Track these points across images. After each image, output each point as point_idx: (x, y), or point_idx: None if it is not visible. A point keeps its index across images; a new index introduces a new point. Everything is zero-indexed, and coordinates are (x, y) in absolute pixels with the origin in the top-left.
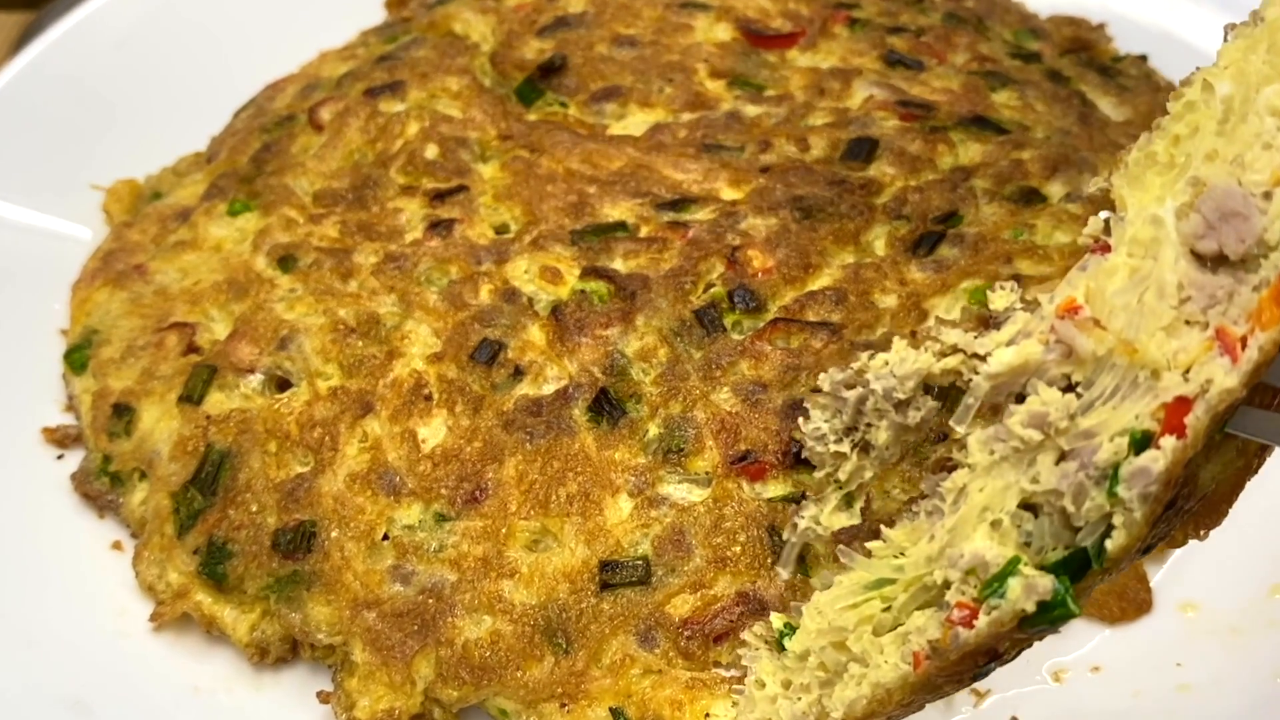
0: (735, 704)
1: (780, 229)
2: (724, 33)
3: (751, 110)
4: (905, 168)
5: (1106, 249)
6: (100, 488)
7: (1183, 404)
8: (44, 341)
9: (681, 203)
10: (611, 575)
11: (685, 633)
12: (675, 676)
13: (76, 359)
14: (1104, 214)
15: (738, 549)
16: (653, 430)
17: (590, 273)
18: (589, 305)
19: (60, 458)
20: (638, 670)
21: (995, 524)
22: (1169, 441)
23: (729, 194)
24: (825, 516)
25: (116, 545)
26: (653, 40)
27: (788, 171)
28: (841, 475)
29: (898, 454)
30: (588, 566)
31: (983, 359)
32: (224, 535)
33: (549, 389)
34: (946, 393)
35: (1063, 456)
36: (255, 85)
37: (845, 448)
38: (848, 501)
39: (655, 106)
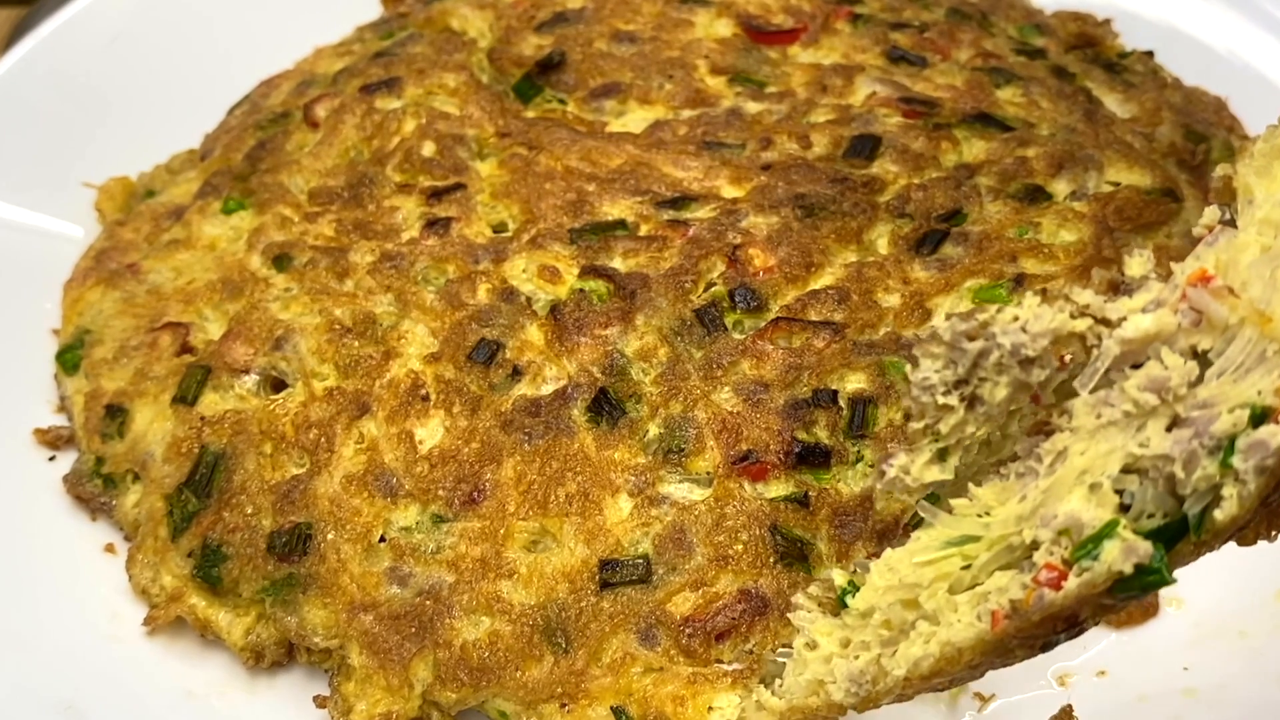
0: (745, 693)
1: (782, 227)
2: (725, 28)
3: (753, 107)
4: (908, 165)
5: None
6: (93, 490)
7: None
8: (36, 341)
9: (682, 201)
10: (611, 574)
11: (687, 630)
12: (677, 673)
13: (69, 359)
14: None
15: (740, 547)
16: (653, 430)
17: (589, 272)
18: (588, 305)
19: (52, 459)
20: (638, 668)
21: (1094, 487)
22: None
23: (730, 192)
24: (917, 468)
25: (109, 548)
26: (653, 36)
27: (789, 169)
28: (943, 428)
29: (1006, 414)
30: (587, 566)
31: (1114, 325)
32: (219, 538)
33: (548, 389)
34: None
35: (1174, 424)
36: (250, 82)
37: (954, 400)
38: (942, 456)
39: (655, 103)
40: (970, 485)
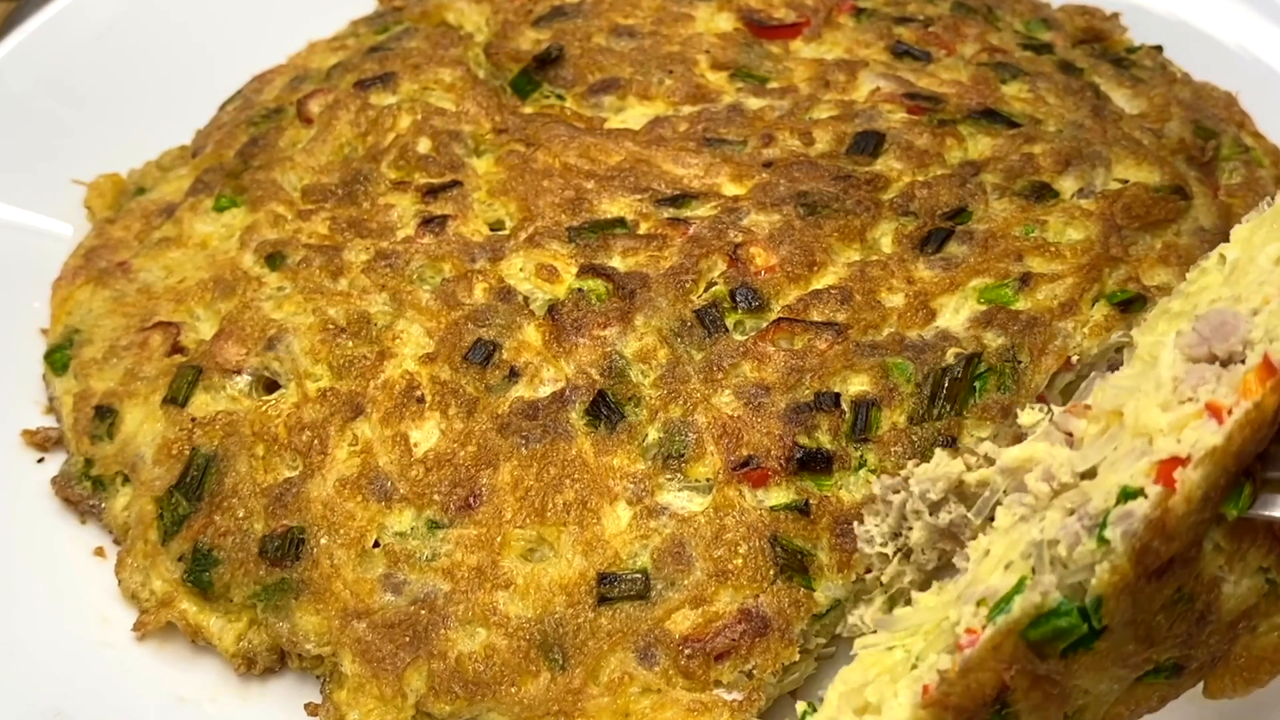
0: None
1: (784, 226)
2: (726, 23)
3: (754, 103)
4: (913, 162)
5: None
6: (82, 492)
7: (1174, 461)
8: (24, 341)
9: (682, 198)
10: (609, 588)
11: (686, 650)
12: (676, 698)
13: (57, 359)
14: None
15: (739, 561)
16: (652, 434)
17: (588, 271)
18: (586, 304)
19: (41, 461)
20: (637, 689)
21: (1009, 565)
22: (1154, 489)
23: (731, 189)
24: (870, 615)
25: (99, 552)
26: (652, 31)
27: (791, 166)
28: (884, 577)
29: (934, 560)
30: (585, 578)
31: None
32: (210, 542)
33: (545, 391)
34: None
35: (1069, 515)
36: (242, 77)
37: (889, 550)
38: (891, 604)
39: (655, 99)
40: (913, 593)
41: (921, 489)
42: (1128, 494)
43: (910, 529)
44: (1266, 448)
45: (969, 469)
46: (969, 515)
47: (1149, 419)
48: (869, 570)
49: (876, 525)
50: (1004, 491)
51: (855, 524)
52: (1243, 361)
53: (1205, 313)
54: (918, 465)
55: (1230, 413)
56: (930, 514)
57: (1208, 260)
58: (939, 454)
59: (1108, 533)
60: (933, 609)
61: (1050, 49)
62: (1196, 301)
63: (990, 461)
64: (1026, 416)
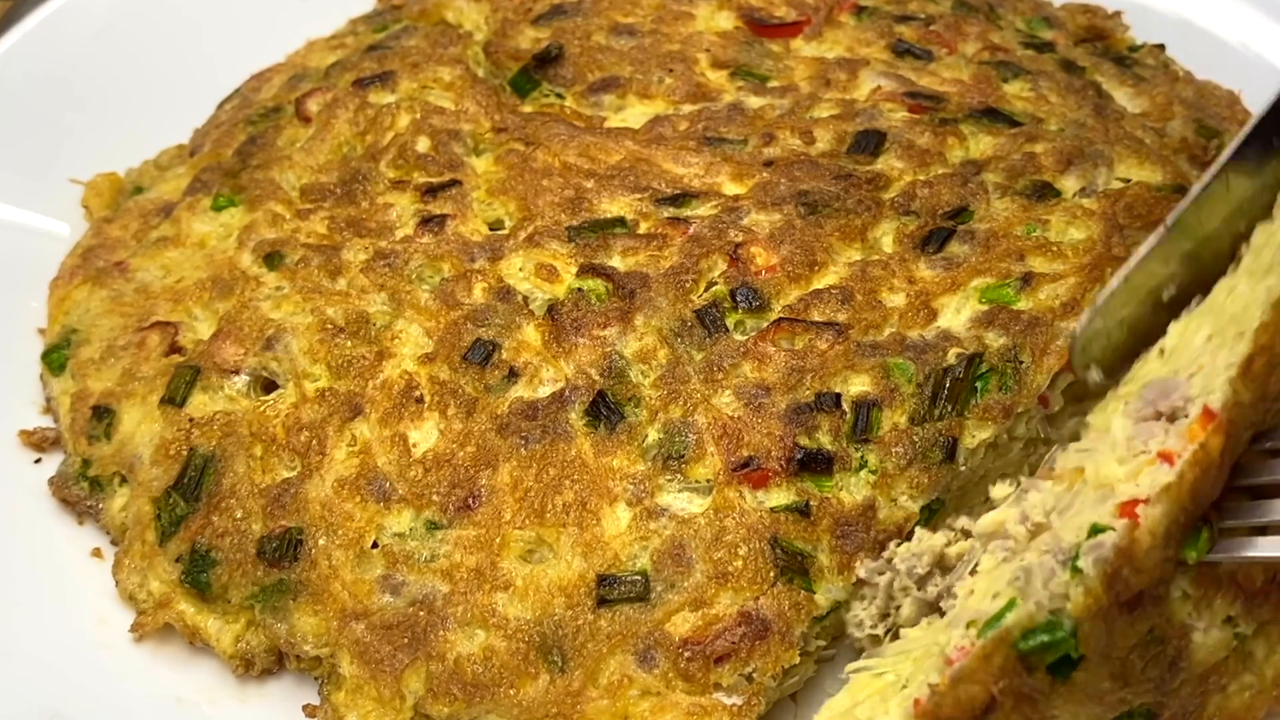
0: None
1: (784, 225)
2: (726, 21)
3: (755, 102)
4: (914, 161)
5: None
6: (79, 493)
7: (1134, 502)
8: (21, 341)
9: (682, 198)
10: (609, 590)
11: (685, 653)
12: (675, 701)
13: (55, 359)
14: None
15: (739, 563)
16: (652, 435)
17: (587, 270)
18: (586, 304)
19: (38, 461)
20: (636, 691)
21: (996, 595)
22: (1120, 523)
23: (731, 189)
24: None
25: (96, 553)
26: (652, 29)
27: (792, 165)
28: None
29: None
30: (584, 580)
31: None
32: (207, 542)
33: (545, 391)
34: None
35: (1045, 554)
36: (240, 75)
37: (880, 630)
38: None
39: (655, 98)
40: (902, 629)
41: (908, 565)
42: (1096, 530)
43: (899, 606)
44: (1222, 498)
45: (950, 543)
46: (954, 579)
47: (1108, 472)
48: (861, 651)
49: (865, 609)
50: (983, 549)
51: (843, 611)
52: (1186, 415)
53: (1149, 382)
54: (899, 545)
55: (1180, 455)
56: (918, 588)
57: (1149, 353)
58: (919, 531)
59: (1080, 563)
60: (922, 638)
61: (1052, 48)
62: (1142, 382)
63: (968, 535)
64: (997, 491)
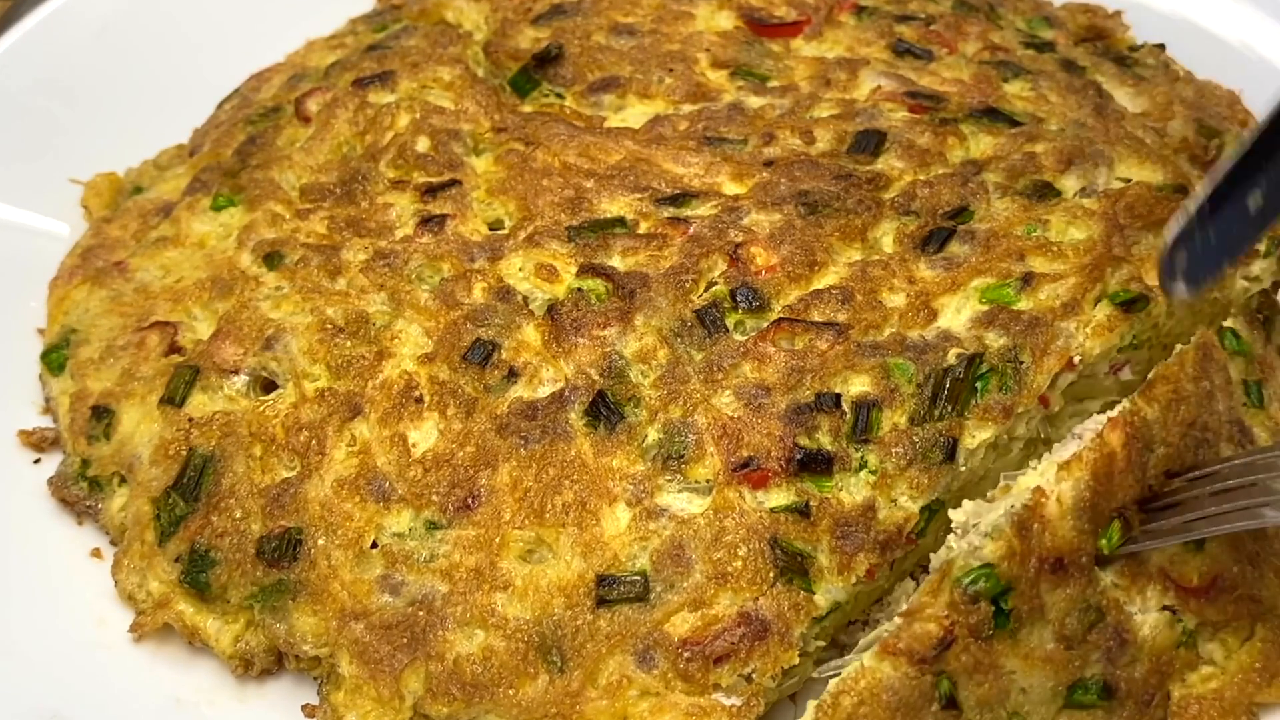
0: None
1: (784, 225)
2: (726, 21)
3: (755, 101)
4: (914, 161)
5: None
6: (78, 493)
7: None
8: (20, 341)
9: (682, 198)
10: (608, 590)
11: (685, 653)
12: (674, 701)
13: (54, 359)
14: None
15: (739, 564)
16: (652, 435)
17: (587, 270)
18: (586, 304)
19: (38, 462)
20: (635, 692)
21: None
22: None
23: (731, 188)
24: None
25: (96, 553)
26: (652, 29)
27: (792, 165)
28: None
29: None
30: (584, 580)
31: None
32: (207, 542)
33: (544, 392)
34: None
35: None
36: (240, 75)
37: None
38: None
39: (655, 98)
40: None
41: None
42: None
43: None
44: (1145, 502)
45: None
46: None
47: (1028, 480)
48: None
49: None
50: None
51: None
52: (1098, 434)
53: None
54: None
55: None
56: None
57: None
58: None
59: (997, 530)
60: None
61: (1052, 47)
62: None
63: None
64: (958, 514)
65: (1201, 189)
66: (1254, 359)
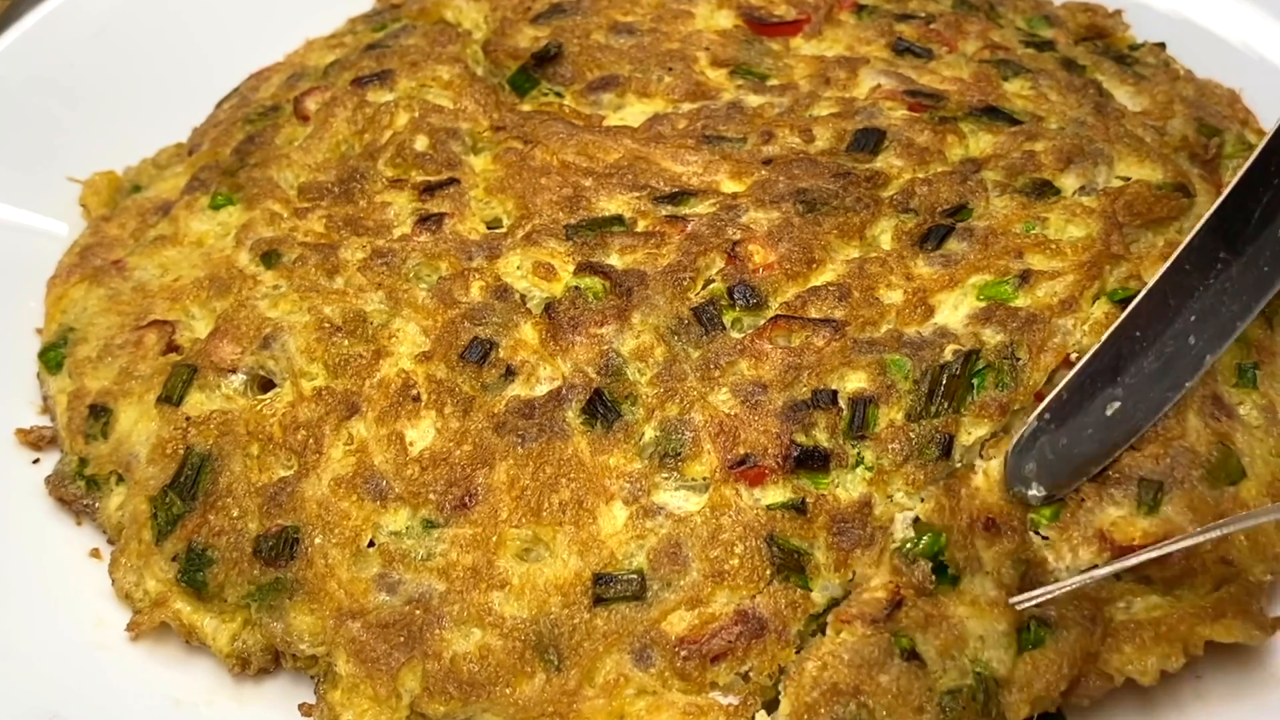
0: None
1: (783, 223)
2: (725, 19)
3: (754, 100)
4: (913, 159)
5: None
6: (76, 492)
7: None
8: (18, 340)
9: (680, 196)
10: (605, 589)
11: (682, 652)
12: (671, 700)
13: (52, 358)
14: None
15: (735, 561)
16: (649, 433)
17: (585, 268)
18: (583, 302)
19: (36, 461)
20: (632, 690)
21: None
22: None
23: (730, 186)
24: None
25: (94, 553)
26: (651, 27)
27: (791, 163)
28: None
29: None
30: (580, 579)
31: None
32: (204, 541)
33: (541, 390)
34: None
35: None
36: (239, 74)
37: None
38: None
39: (654, 96)
40: None
41: None
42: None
43: None
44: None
45: None
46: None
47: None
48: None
49: None
50: None
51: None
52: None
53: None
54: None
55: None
56: None
57: None
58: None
59: (927, 493)
60: None
61: (1052, 46)
62: None
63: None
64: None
65: (1050, 395)
66: (1251, 344)
